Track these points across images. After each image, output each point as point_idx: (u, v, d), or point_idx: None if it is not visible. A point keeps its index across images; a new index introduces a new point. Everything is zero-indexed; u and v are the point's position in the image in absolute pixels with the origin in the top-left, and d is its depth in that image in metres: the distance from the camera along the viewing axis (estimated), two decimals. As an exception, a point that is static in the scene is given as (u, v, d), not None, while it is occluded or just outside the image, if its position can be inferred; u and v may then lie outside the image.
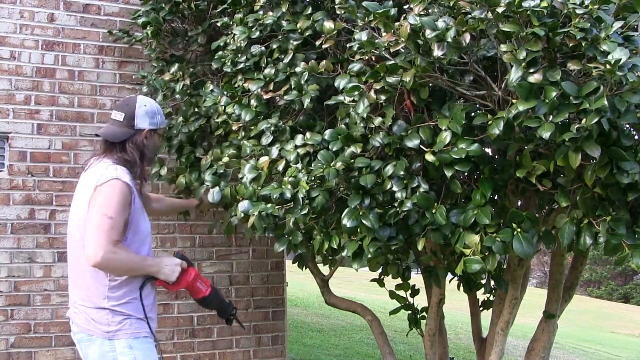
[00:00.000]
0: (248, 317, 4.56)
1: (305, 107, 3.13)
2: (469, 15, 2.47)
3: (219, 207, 3.69)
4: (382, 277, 3.68)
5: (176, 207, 3.54)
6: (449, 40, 2.46)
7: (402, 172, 2.77)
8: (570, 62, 2.38)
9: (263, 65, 3.37)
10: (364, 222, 2.79)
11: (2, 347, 3.94)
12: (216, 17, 3.73)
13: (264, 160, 3.22)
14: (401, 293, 3.88)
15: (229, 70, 3.47)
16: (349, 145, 2.89)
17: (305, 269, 3.99)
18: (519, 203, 3.20)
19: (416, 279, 3.65)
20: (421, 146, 2.74)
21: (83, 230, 2.59)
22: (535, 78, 2.35)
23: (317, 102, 3.21)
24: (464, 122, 2.63)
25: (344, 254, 2.99)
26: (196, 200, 3.58)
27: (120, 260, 2.55)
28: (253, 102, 3.33)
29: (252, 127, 3.33)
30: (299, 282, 11.84)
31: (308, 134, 3.13)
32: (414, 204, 2.75)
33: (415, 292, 3.87)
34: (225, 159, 3.45)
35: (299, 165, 3.04)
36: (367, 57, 2.84)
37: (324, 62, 3.18)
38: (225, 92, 3.48)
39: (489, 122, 2.55)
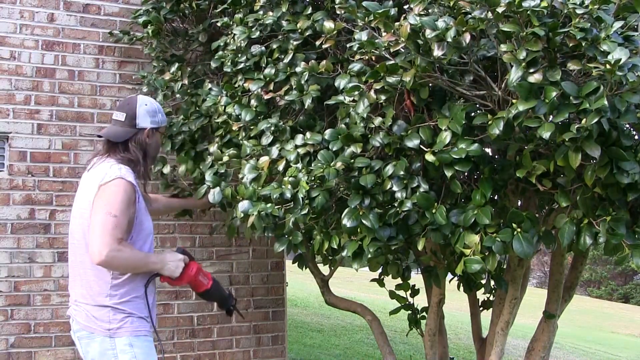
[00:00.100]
0: (248, 317, 4.56)
1: (306, 107, 3.13)
2: (469, 15, 2.47)
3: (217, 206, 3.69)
4: (382, 277, 3.68)
5: (174, 206, 3.55)
6: (449, 40, 2.46)
7: (402, 172, 2.77)
8: (570, 62, 2.38)
9: (263, 65, 3.37)
10: (364, 222, 2.79)
11: (2, 347, 3.94)
12: (216, 17, 3.73)
13: (264, 160, 3.22)
14: (401, 293, 3.88)
15: (229, 70, 3.47)
16: (349, 145, 2.89)
17: (305, 269, 3.99)
18: (519, 203, 3.20)
19: (416, 279, 3.65)
20: (421, 146, 2.74)
21: (87, 229, 2.61)
22: (535, 78, 2.35)
23: (317, 102, 3.21)
24: (464, 122, 2.63)
25: (344, 254, 2.99)
26: (193, 200, 3.58)
27: (125, 258, 2.57)
28: (253, 102, 3.33)
29: (252, 127, 3.34)
30: (299, 282, 11.84)
31: (308, 134, 3.13)
32: (414, 204, 2.76)
33: (415, 292, 3.87)
34: (225, 159, 3.45)
35: (299, 165, 3.04)
36: (367, 57, 2.84)
37: (324, 62, 3.18)
38: (225, 92, 3.48)
39: (489, 122, 2.55)
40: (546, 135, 2.32)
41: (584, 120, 2.29)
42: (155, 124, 2.83)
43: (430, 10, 2.63)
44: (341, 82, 2.92)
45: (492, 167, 2.88)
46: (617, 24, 2.34)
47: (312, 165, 2.97)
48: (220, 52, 3.56)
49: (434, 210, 2.74)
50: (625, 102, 2.32)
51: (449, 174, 2.65)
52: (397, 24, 2.60)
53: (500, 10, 2.36)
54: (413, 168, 2.84)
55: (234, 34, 3.44)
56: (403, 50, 2.63)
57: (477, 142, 2.64)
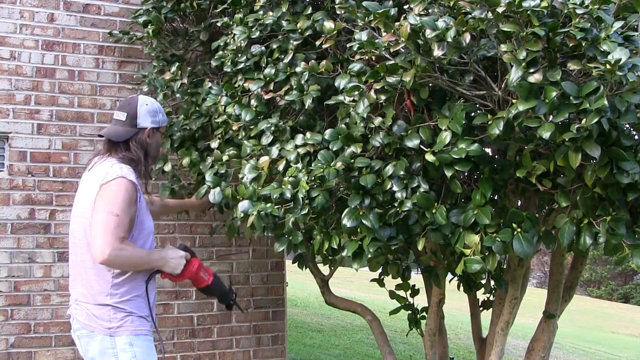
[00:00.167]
0: (248, 317, 4.56)
1: (306, 107, 3.13)
2: (469, 15, 2.47)
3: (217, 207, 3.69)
4: (382, 277, 3.68)
5: (169, 208, 3.54)
6: (449, 40, 2.46)
7: (402, 172, 2.77)
8: (570, 62, 2.38)
9: (263, 65, 3.37)
10: (364, 222, 2.79)
11: (2, 347, 3.94)
12: (216, 16, 3.73)
13: (264, 160, 3.22)
14: (401, 293, 3.88)
15: (229, 70, 3.47)
16: (349, 145, 2.89)
17: (305, 269, 3.99)
18: (519, 203, 3.20)
19: (416, 279, 3.65)
20: (421, 146, 2.74)
21: (88, 229, 2.62)
22: (535, 78, 2.35)
23: (317, 102, 3.21)
24: (464, 122, 2.63)
25: (344, 254, 3.00)
26: (189, 201, 3.58)
27: (127, 256, 2.58)
28: (253, 102, 3.33)
29: (252, 127, 3.34)
30: (299, 282, 11.84)
31: (308, 134, 3.13)
32: (414, 204, 2.76)
33: (415, 292, 3.87)
34: (225, 159, 3.45)
35: (299, 165, 3.04)
36: (367, 57, 2.84)
37: (324, 62, 3.18)
38: (225, 92, 3.48)
39: (489, 122, 2.55)
40: (546, 135, 2.32)
41: (584, 120, 2.29)
42: (156, 124, 2.84)
43: (430, 10, 2.63)
44: (341, 82, 2.92)
45: (492, 167, 2.88)
46: (617, 24, 2.34)
47: (312, 165, 2.97)
48: (220, 52, 3.56)
49: (434, 210, 2.74)
50: (625, 102, 2.32)
51: (449, 174, 2.65)
52: (397, 24, 2.60)
53: (500, 10, 2.36)
54: (413, 168, 2.84)
55: (234, 34, 3.44)
56: (403, 50, 2.63)
57: (477, 142, 2.64)
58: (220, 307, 4.48)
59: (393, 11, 2.64)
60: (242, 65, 3.42)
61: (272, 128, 3.23)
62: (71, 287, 2.79)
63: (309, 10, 3.30)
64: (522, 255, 2.62)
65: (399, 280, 3.67)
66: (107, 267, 2.62)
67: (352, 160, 2.85)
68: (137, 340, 2.66)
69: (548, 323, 3.53)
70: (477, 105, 2.79)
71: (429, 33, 2.48)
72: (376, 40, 2.66)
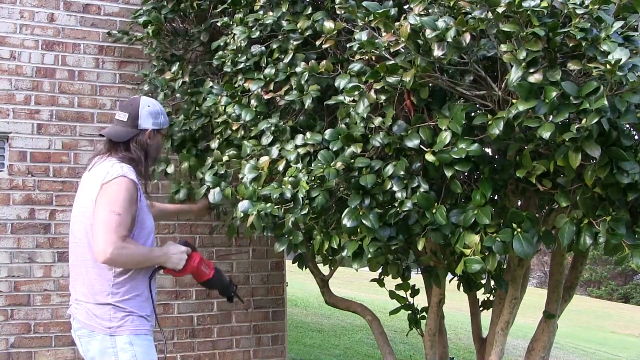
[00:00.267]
0: (248, 317, 4.56)
1: (306, 107, 3.13)
2: (469, 15, 2.47)
3: (216, 211, 3.69)
4: (382, 277, 3.68)
5: (168, 212, 3.53)
6: (449, 40, 2.46)
7: (402, 172, 2.77)
8: (570, 62, 2.38)
9: (263, 65, 3.37)
10: (364, 222, 2.79)
11: (2, 347, 3.94)
12: (216, 16, 3.73)
13: (264, 160, 3.22)
14: (401, 293, 3.88)
15: (229, 70, 3.47)
16: (349, 145, 2.89)
17: (305, 269, 3.99)
18: (519, 203, 3.20)
19: (416, 279, 3.65)
20: (421, 146, 2.74)
21: (89, 228, 2.63)
22: (535, 78, 2.35)
23: (317, 102, 3.21)
24: (464, 122, 2.63)
25: (344, 254, 3.00)
26: (187, 206, 3.57)
27: (130, 254, 2.59)
28: (253, 102, 3.33)
29: (252, 127, 3.34)
30: (299, 282, 11.84)
31: (308, 134, 3.13)
32: (414, 204, 2.76)
33: (415, 292, 3.87)
34: (225, 159, 3.45)
35: (299, 165, 3.04)
36: (367, 57, 2.84)
37: (324, 62, 3.18)
38: (225, 92, 3.48)
39: (489, 122, 2.55)
40: (546, 135, 2.32)
41: (584, 120, 2.29)
42: (157, 126, 2.84)
43: (430, 10, 2.63)
44: (341, 82, 2.92)
45: (492, 167, 2.88)
46: (617, 24, 2.34)
47: (312, 165, 2.97)
48: (220, 52, 3.56)
49: (434, 210, 2.74)
50: (625, 102, 2.32)
51: (449, 174, 2.65)
52: (397, 24, 2.60)
53: (500, 10, 2.36)
54: (413, 168, 2.84)
55: (234, 34, 3.44)
56: (403, 50, 2.63)
57: (477, 142, 2.64)
58: (220, 307, 4.48)
59: (393, 11, 2.64)
60: (242, 65, 3.42)
61: (272, 128, 3.23)
62: (71, 287, 2.79)
63: (309, 10, 3.30)
64: (522, 255, 2.62)
65: (399, 280, 3.67)
66: (108, 266, 2.62)
67: (352, 160, 2.85)
68: (137, 339, 2.67)
69: (548, 323, 3.53)
70: (477, 105, 2.79)
71: (429, 33, 2.48)
72: (376, 40, 2.66)
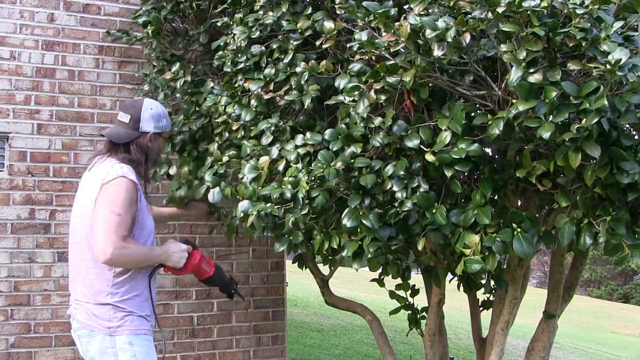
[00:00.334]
0: (248, 317, 4.56)
1: (305, 107, 3.13)
2: (469, 15, 2.47)
3: (217, 214, 3.69)
4: (382, 277, 3.68)
5: (164, 216, 3.53)
6: (449, 40, 2.46)
7: (402, 172, 2.77)
8: (570, 62, 2.38)
9: (263, 65, 3.37)
10: (364, 222, 2.79)
11: (2, 347, 3.94)
12: (216, 16, 3.73)
13: (264, 160, 3.22)
14: (401, 293, 3.88)
15: (229, 70, 3.47)
16: (349, 145, 2.89)
17: (305, 269, 3.99)
18: (519, 203, 3.20)
19: (416, 279, 3.65)
20: (421, 146, 2.74)
21: (89, 228, 2.63)
22: (535, 78, 2.35)
23: (317, 102, 3.21)
24: (464, 122, 2.63)
25: (344, 254, 3.00)
26: (183, 210, 3.57)
27: (130, 254, 2.60)
28: (253, 102, 3.33)
29: (252, 127, 3.34)
30: (299, 282, 11.84)
31: (308, 134, 3.13)
32: (414, 204, 2.76)
33: (415, 292, 3.87)
34: (225, 159, 3.45)
35: (299, 165, 3.04)
36: (367, 57, 2.84)
37: (324, 62, 3.18)
38: (225, 92, 3.48)
39: (489, 122, 2.55)
40: (546, 135, 2.32)
41: (584, 120, 2.29)
42: (158, 129, 2.83)
43: (430, 10, 2.63)
44: (341, 82, 2.92)
45: (492, 167, 2.88)
46: (617, 24, 2.34)
47: (312, 165, 2.97)
48: (220, 52, 3.56)
49: (434, 210, 2.74)
50: (625, 102, 2.32)
51: (449, 174, 2.65)
52: (397, 24, 2.60)
53: (500, 10, 2.36)
54: (413, 168, 2.84)
55: (234, 34, 3.44)
56: (403, 50, 2.63)
57: (477, 142, 2.64)
58: (220, 307, 4.48)
59: (393, 11, 2.64)
60: (242, 65, 3.42)
61: (272, 128, 3.23)
62: (71, 287, 2.79)
63: (309, 10, 3.30)
64: (522, 255, 2.62)
65: (399, 280, 3.67)
66: (109, 266, 2.62)
67: (352, 160, 2.85)
68: (137, 339, 2.67)
69: (548, 323, 3.53)
70: (477, 105, 2.79)
71: (429, 33, 2.48)
72: (376, 40, 2.66)
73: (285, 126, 3.25)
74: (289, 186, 2.99)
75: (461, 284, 3.53)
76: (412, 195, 2.77)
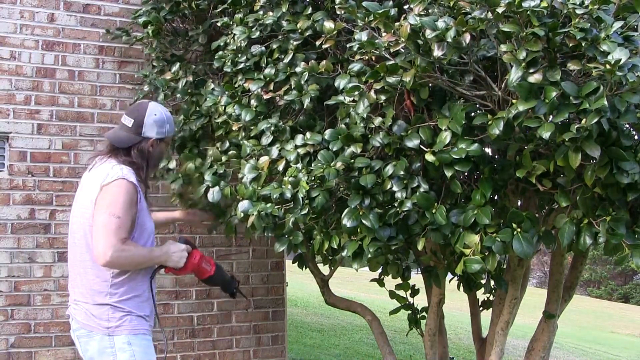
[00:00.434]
0: (248, 317, 4.56)
1: (305, 107, 3.13)
2: (469, 15, 2.47)
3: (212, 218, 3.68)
4: (382, 277, 3.68)
5: (159, 220, 3.50)
6: (449, 40, 2.46)
7: (402, 172, 2.77)
8: (570, 62, 2.38)
9: (263, 65, 3.37)
10: (364, 222, 2.79)
11: (2, 347, 3.94)
12: (216, 17, 3.74)
13: (264, 160, 3.22)
14: (401, 293, 3.88)
15: (229, 70, 3.47)
16: (349, 145, 2.89)
17: (305, 269, 3.99)
18: (519, 203, 3.20)
19: (416, 279, 3.65)
20: (421, 146, 2.74)
21: (88, 229, 2.63)
22: (535, 78, 2.35)
23: (317, 102, 3.21)
24: (464, 122, 2.63)
25: (344, 254, 3.00)
26: (179, 213, 3.54)
27: (130, 256, 2.60)
28: (253, 102, 3.33)
29: (252, 127, 3.34)
30: (299, 282, 11.84)
31: (308, 134, 3.13)
32: (414, 204, 2.76)
33: (415, 292, 3.87)
34: (225, 158, 3.45)
35: (299, 165, 3.04)
36: (367, 57, 2.84)
37: (324, 62, 3.18)
38: (225, 92, 3.48)
39: (489, 122, 2.55)
40: (546, 135, 2.32)
41: (584, 120, 2.29)
42: (161, 135, 2.81)
43: (430, 11, 2.63)
44: (341, 82, 2.92)
45: (492, 167, 2.88)
46: (617, 24, 2.34)
47: (312, 165, 2.97)
48: (220, 52, 3.56)
49: (434, 210, 2.74)
50: (625, 102, 2.32)
51: (449, 174, 2.65)
52: (397, 24, 2.60)
53: (500, 10, 2.36)
54: (413, 168, 2.84)
55: (234, 34, 3.44)
56: (403, 51, 2.63)
57: (477, 142, 2.64)
58: (221, 307, 4.48)
59: (393, 11, 2.64)
60: (242, 66, 3.42)
61: (272, 128, 3.23)
62: (70, 287, 2.79)
63: (309, 10, 3.30)
64: (522, 255, 2.62)
65: (399, 280, 3.67)
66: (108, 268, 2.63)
67: (352, 160, 2.85)
68: (135, 339, 2.67)
69: (548, 323, 3.53)
70: (477, 105, 2.79)
71: (429, 33, 2.48)
72: (376, 41, 2.66)
73: (285, 126, 3.25)
74: (289, 186, 2.99)
75: (461, 284, 3.53)
76: (412, 195, 2.77)
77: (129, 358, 2.63)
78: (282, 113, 3.34)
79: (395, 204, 2.81)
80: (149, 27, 3.94)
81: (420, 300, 3.89)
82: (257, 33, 3.35)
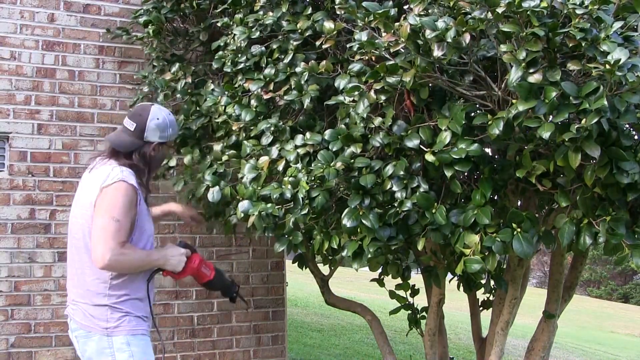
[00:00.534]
0: (248, 317, 4.56)
1: (305, 107, 3.13)
2: (469, 16, 2.47)
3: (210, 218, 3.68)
4: (382, 277, 3.68)
5: (156, 215, 3.49)
6: (449, 40, 2.46)
7: (402, 172, 2.77)
8: (570, 62, 2.38)
9: (263, 65, 3.37)
10: (364, 222, 2.79)
11: (2, 347, 3.95)
12: (216, 17, 3.74)
13: (264, 160, 3.22)
14: (401, 293, 3.88)
15: (229, 70, 3.48)
16: (349, 145, 2.90)
17: (305, 269, 3.99)
18: (519, 203, 3.20)
19: (416, 279, 3.65)
20: (421, 146, 2.74)
21: (87, 230, 2.62)
22: (535, 78, 2.35)
23: (317, 102, 3.21)
24: (464, 122, 2.63)
25: (344, 254, 3.00)
26: (173, 206, 3.51)
27: (128, 260, 2.59)
28: (253, 102, 3.33)
29: (252, 127, 3.34)
30: (299, 282, 11.84)
31: (308, 134, 3.13)
32: (414, 204, 2.76)
33: (415, 292, 3.87)
34: (225, 158, 3.45)
35: (299, 165, 3.04)
36: (367, 57, 2.84)
37: (324, 62, 3.18)
38: (225, 92, 3.48)
39: (489, 122, 2.55)
40: (546, 135, 2.32)
41: (583, 120, 2.29)
42: (163, 139, 2.79)
43: (430, 11, 2.63)
44: (341, 82, 2.92)
45: (492, 167, 2.88)
46: (617, 24, 2.34)
47: (312, 165, 2.97)
48: (220, 52, 3.56)
49: (434, 210, 2.74)
50: (625, 102, 2.32)
51: (449, 174, 2.65)
52: (397, 24, 2.60)
53: (500, 10, 2.36)
54: (413, 168, 2.84)
55: (234, 34, 3.44)
56: (403, 51, 2.63)
57: (477, 142, 2.64)
58: (220, 307, 4.48)
59: (393, 11, 2.64)
60: (242, 66, 3.42)
61: (272, 128, 3.23)
62: (69, 287, 2.78)
63: (309, 11, 3.30)
64: (522, 255, 2.63)
65: (399, 280, 3.67)
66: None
67: (352, 160, 2.85)
68: (134, 339, 2.66)
69: (548, 323, 3.53)
70: (477, 105, 2.79)
71: (428, 33, 2.48)
72: (376, 41, 2.66)
73: (285, 126, 3.25)
74: (289, 186, 2.99)
75: (461, 284, 3.53)
76: (412, 195, 2.77)
77: (128, 358, 2.63)
78: (282, 113, 3.34)
79: (395, 204, 2.81)
80: (149, 27, 3.94)
81: (420, 300, 3.89)
82: (257, 33, 3.35)
